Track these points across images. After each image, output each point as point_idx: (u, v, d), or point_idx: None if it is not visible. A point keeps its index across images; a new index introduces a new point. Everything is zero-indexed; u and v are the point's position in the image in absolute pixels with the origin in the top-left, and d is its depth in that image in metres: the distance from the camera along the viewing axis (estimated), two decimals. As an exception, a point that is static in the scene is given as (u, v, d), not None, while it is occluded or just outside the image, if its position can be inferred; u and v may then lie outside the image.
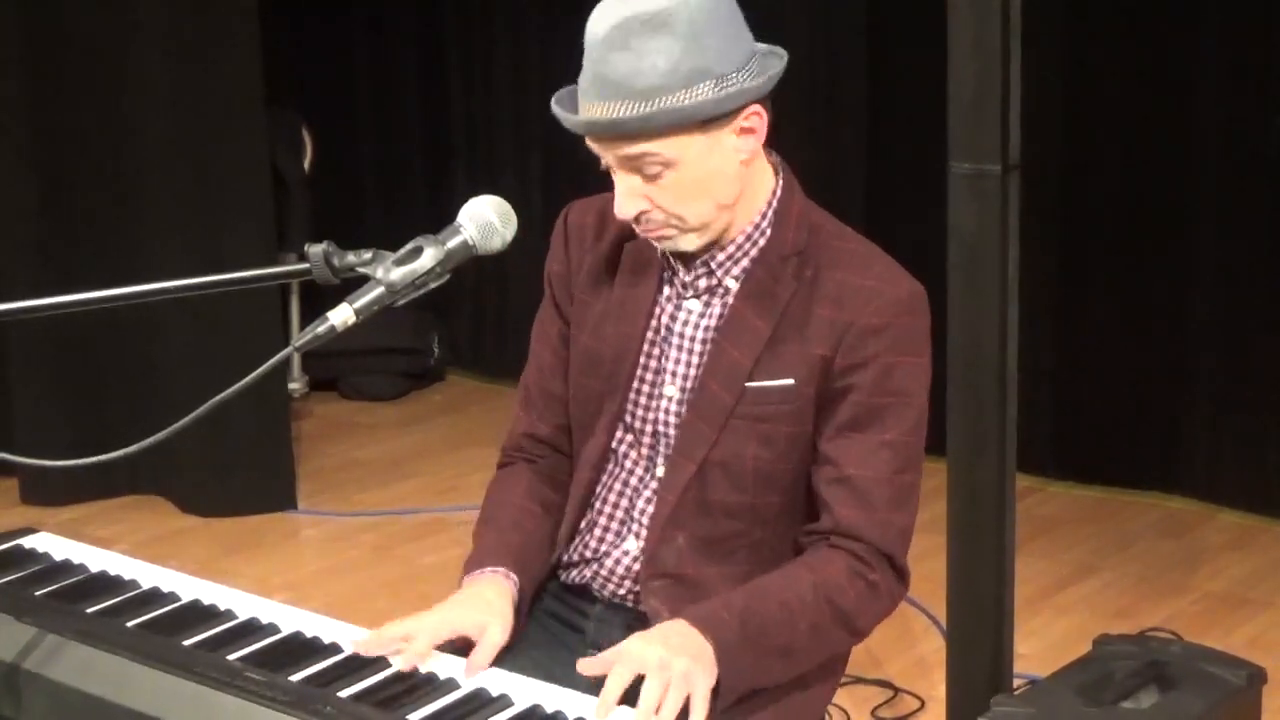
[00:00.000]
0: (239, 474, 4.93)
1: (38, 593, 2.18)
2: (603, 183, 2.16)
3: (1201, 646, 2.07)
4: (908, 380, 2.12)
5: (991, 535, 2.63)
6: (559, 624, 2.30)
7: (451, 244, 1.99)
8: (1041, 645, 3.88)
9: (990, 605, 2.64)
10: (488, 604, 2.09)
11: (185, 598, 2.16)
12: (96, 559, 2.29)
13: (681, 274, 2.18)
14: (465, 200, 2.05)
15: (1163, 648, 2.03)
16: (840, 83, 5.23)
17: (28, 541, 2.36)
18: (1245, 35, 4.55)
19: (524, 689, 1.90)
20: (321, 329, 1.91)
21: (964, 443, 2.62)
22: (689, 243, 2.12)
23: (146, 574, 2.24)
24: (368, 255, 1.97)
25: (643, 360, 2.20)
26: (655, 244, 2.14)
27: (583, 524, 2.27)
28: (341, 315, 1.92)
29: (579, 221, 2.28)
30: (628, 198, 2.07)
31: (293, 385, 5.93)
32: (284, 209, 5.45)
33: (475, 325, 6.31)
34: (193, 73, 4.75)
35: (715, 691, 1.95)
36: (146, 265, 4.69)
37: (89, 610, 2.12)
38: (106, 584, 2.21)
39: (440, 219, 2.08)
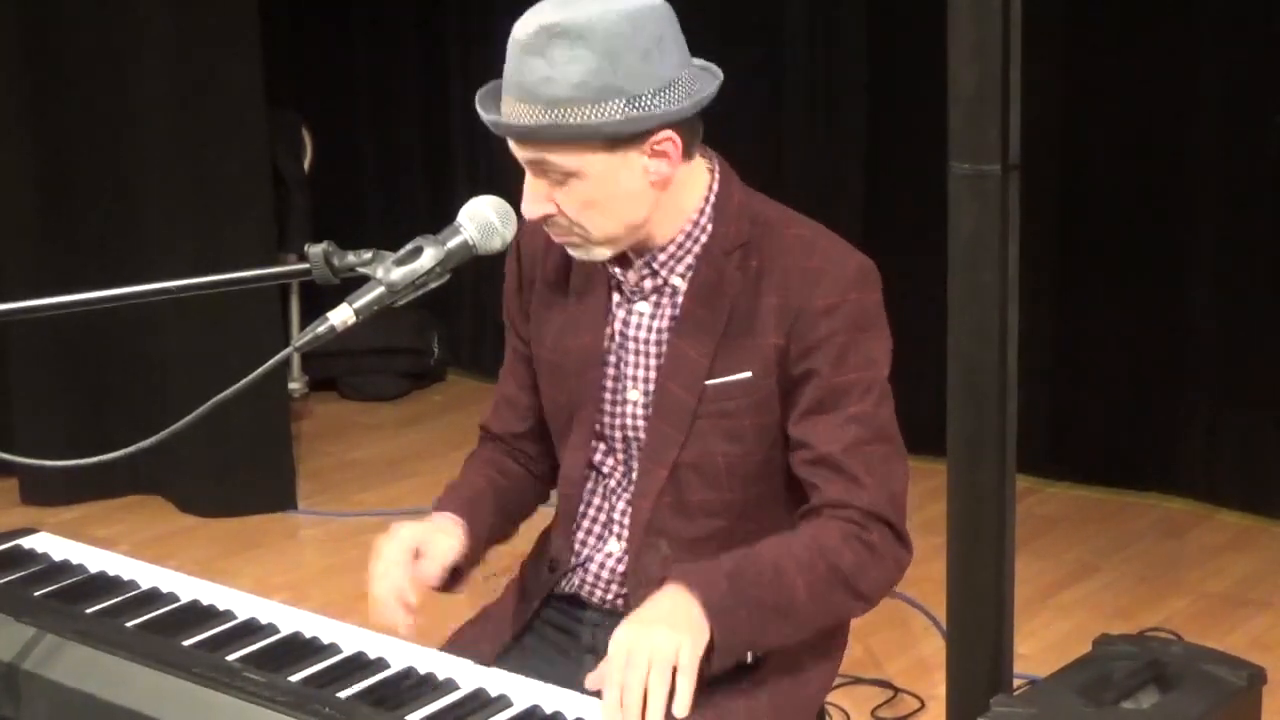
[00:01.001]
0: (239, 474, 4.93)
1: (38, 593, 2.18)
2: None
3: (1201, 646, 2.07)
4: (866, 356, 2.12)
5: (991, 535, 2.62)
6: (555, 630, 2.32)
7: (451, 244, 1.99)
8: (1041, 645, 3.88)
9: (990, 605, 2.64)
10: (438, 526, 2.19)
11: (185, 598, 2.16)
12: (96, 559, 2.29)
13: (627, 278, 2.19)
14: (465, 200, 2.05)
15: (1163, 648, 2.03)
16: (840, 83, 5.23)
17: (28, 541, 2.36)
18: (1245, 35, 4.55)
19: (524, 689, 1.90)
20: (321, 329, 1.91)
21: (964, 443, 2.62)
22: (599, 254, 2.13)
23: (146, 574, 2.24)
24: (368, 255, 1.97)
25: (603, 369, 2.21)
26: (570, 251, 2.14)
27: (574, 543, 2.29)
28: (341, 315, 1.92)
29: (530, 228, 2.23)
30: (532, 200, 2.07)
31: (293, 385, 5.93)
32: (284, 209, 5.46)
33: (475, 325, 6.31)
34: (193, 73, 4.75)
35: (710, 653, 1.94)
36: (146, 265, 4.69)
37: (89, 610, 2.12)
38: (106, 584, 2.21)
39: (440, 219, 2.08)
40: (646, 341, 2.19)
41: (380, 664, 1.96)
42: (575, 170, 2.03)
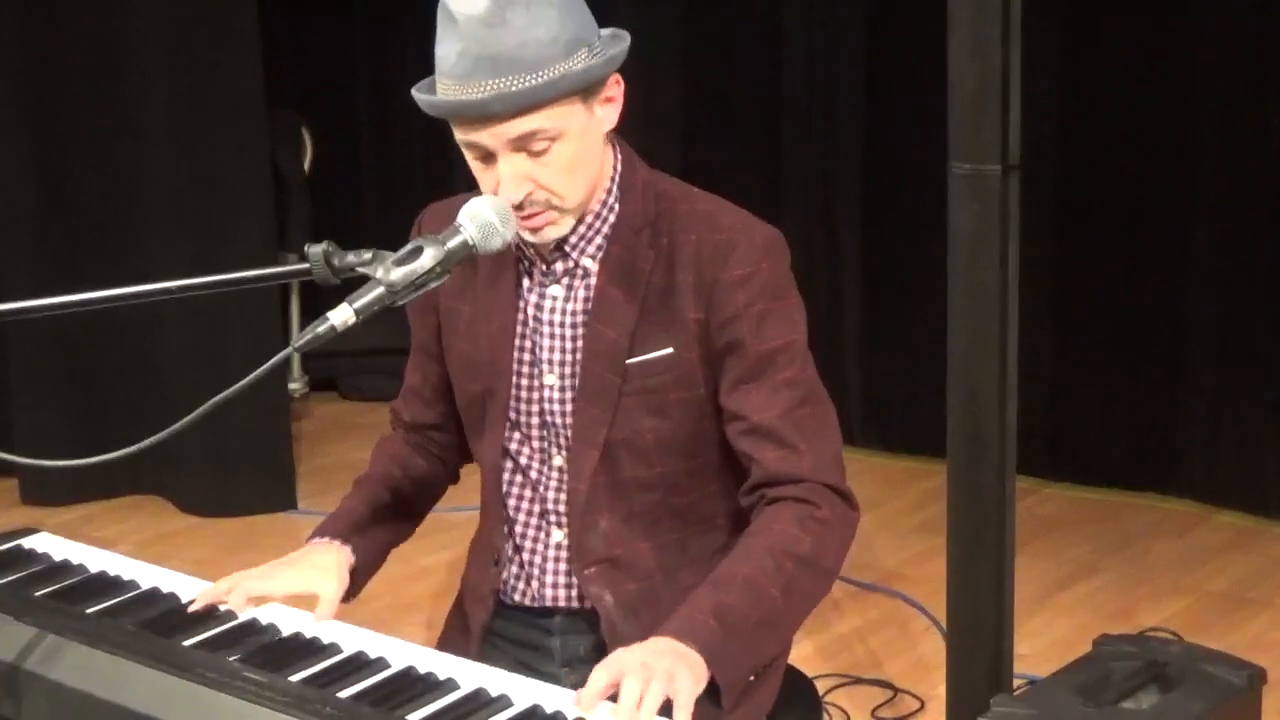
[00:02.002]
0: (239, 474, 4.93)
1: (38, 593, 2.18)
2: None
3: (1201, 646, 2.07)
4: (784, 322, 2.14)
5: (991, 535, 2.62)
6: (521, 648, 2.31)
7: (451, 244, 1.99)
8: (1041, 645, 3.88)
9: (990, 605, 2.64)
10: (319, 568, 2.21)
11: (185, 598, 2.16)
12: (96, 559, 2.29)
13: (538, 261, 2.20)
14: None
15: (1163, 648, 2.03)
16: (839, 83, 5.23)
17: (28, 541, 2.36)
18: (1245, 35, 4.55)
19: (524, 689, 1.90)
20: (321, 329, 1.91)
21: (964, 443, 2.62)
22: (564, 227, 2.13)
23: (146, 574, 2.24)
24: (368, 255, 1.97)
25: (517, 355, 2.22)
26: (530, 236, 2.12)
27: (511, 541, 2.29)
28: (341, 315, 1.92)
29: (435, 226, 2.23)
30: (515, 180, 2.06)
31: (293, 385, 5.93)
32: (284, 209, 5.46)
33: (475, 325, 6.30)
34: (193, 73, 4.76)
35: (715, 694, 1.94)
36: (146, 265, 4.69)
37: (89, 610, 2.11)
38: (106, 584, 2.21)
39: (440, 219, 2.07)
40: (562, 325, 2.19)
41: (380, 664, 1.96)
42: (561, 130, 2.04)
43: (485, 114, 2.03)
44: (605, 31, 2.13)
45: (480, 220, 2.01)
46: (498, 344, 2.22)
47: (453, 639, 2.36)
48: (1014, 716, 1.85)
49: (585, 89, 2.04)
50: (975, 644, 2.65)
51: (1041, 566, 4.39)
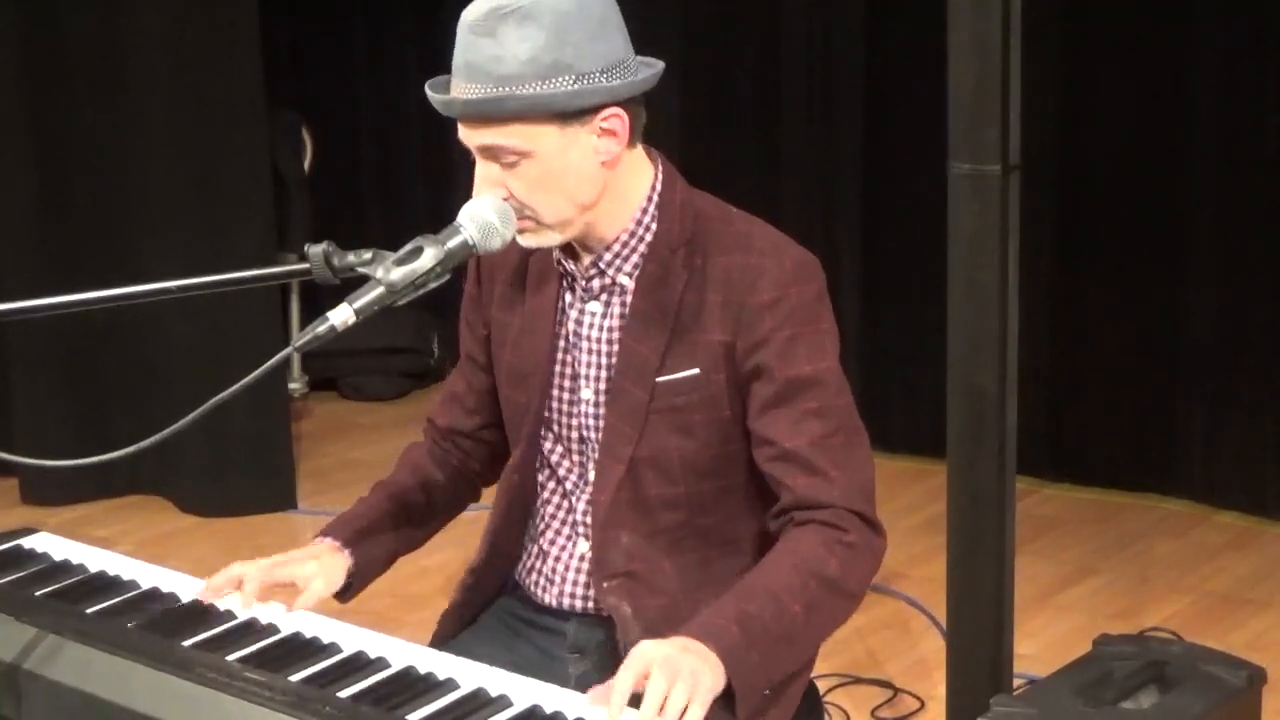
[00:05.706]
0: (239, 474, 4.93)
1: (38, 593, 2.18)
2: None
3: (1201, 646, 2.07)
4: (814, 348, 2.13)
5: (991, 535, 2.63)
6: (532, 629, 2.33)
7: (451, 244, 1.99)
8: (1041, 645, 3.88)
9: (990, 605, 2.65)
10: (318, 561, 2.25)
11: (185, 598, 2.16)
12: (96, 559, 2.30)
13: (578, 277, 2.20)
14: (465, 200, 2.05)
15: (1163, 648, 2.04)
16: (838, 82, 5.22)
17: (28, 541, 2.36)
18: (1243, 35, 4.55)
19: (524, 689, 1.90)
20: (321, 329, 1.91)
21: (964, 443, 2.62)
22: (550, 238, 2.13)
23: (146, 574, 2.24)
24: (368, 255, 1.97)
25: (557, 368, 2.23)
26: (518, 239, 2.13)
27: (537, 545, 2.30)
28: (341, 315, 1.92)
29: None
30: (484, 184, 2.08)
31: (293, 385, 5.93)
32: (284, 209, 5.45)
33: (475, 325, 6.30)
34: (193, 73, 4.76)
35: (729, 698, 1.95)
36: (146, 265, 4.69)
37: (89, 610, 2.12)
38: (106, 584, 2.22)
39: (440, 219, 2.08)
40: (599, 340, 2.20)
41: (380, 664, 1.96)
42: (527, 150, 2.04)
43: (450, 114, 2.07)
44: (640, 59, 2.12)
45: (480, 220, 2.02)
46: (541, 357, 2.23)
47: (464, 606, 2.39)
48: (1014, 716, 1.86)
49: (561, 114, 2.03)
50: (975, 644, 2.66)
51: (1041, 566, 4.39)
